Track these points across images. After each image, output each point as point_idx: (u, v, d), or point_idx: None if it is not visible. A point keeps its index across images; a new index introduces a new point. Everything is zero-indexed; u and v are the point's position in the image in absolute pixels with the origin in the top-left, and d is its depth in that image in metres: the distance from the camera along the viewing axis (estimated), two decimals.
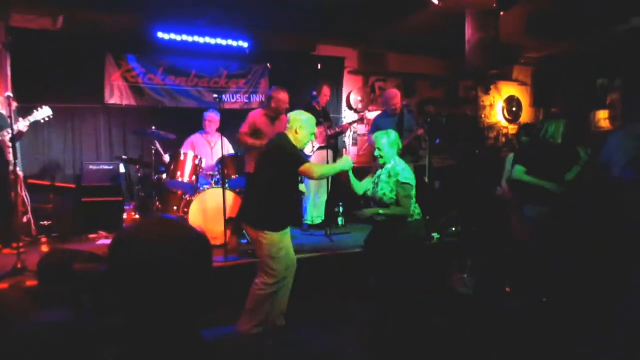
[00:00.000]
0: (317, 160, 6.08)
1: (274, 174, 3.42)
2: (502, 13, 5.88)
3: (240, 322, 3.48)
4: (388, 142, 3.64)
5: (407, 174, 3.56)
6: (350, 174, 3.66)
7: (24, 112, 5.01)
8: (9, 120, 4.48)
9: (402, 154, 5.72)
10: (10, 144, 4.41)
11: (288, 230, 3.59)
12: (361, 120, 6.86)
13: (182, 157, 5.26)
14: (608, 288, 3.54)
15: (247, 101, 7.01)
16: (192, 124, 6.07)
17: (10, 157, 4.52)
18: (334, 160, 6.29)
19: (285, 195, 3.51)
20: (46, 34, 5.85)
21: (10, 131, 4.27)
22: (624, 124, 5.09)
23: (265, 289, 3.45)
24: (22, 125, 4.62)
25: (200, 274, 1.06)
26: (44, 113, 4.72)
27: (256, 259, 3.69)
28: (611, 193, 4.17)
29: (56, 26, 5.88)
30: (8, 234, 4.77)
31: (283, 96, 5.02)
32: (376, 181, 3.67)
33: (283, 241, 3.49)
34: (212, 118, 5.75)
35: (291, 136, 3.50)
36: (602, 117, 8.35)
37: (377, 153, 3.67)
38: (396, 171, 3.55)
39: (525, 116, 9.09)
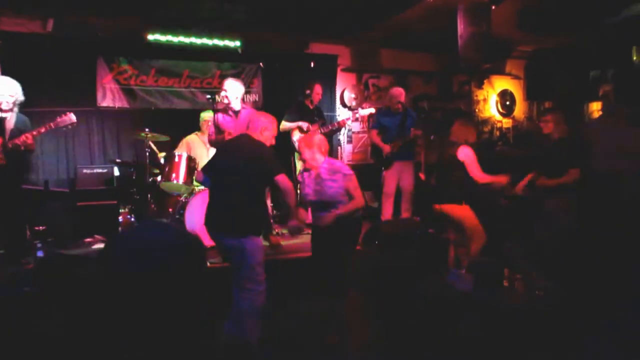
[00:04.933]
0: None
1: (255, 178, 3.32)
2: (493, 7, 5.88)
3: (251, 333, 3.20)
4: (318, 146, 3.63)
5: (347, 167, 3.64)
6: None
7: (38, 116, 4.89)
8: (29, 124, 4.40)
9: (398, 154, 5.77)
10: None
11: None
12: (355, 119, 6.85)
13: (176, 159, 5.24)
14: (610, 285, 3.55)
15: None
16: (185, 124, 6.04)
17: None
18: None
19: (263, 198, 3.47)
20: (36, 37, 5.81)
21: (28, 135, 4.22)
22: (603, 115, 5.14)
23: (262, 294, 3.27)
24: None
25: (192, 277, 1.05)
26: (67, 120, 4.45)
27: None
28: (600, 184, 4.19)
29: (46, 29, 5.84)
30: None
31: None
32: (317, 182, 3.59)
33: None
34: (211, 119, 5.71)
35: (255, 138, 3.46)
36: (596, 109, 8.37)
37: (308, 156, 3.61)
38: (337, 167, 3.59)
39: (519, 110, 9.10)
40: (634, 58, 7.45)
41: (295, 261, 4.70)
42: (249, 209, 3.28)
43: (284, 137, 5.86)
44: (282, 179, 3.28)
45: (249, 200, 3.29)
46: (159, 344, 0.94)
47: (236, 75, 6.92)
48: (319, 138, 3.66)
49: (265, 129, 3.48)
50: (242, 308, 3.21)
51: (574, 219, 4.11)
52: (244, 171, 3.29)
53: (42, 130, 4.34)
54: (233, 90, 4.90)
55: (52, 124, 4.38)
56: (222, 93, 4.87)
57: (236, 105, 4.96)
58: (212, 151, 5.52)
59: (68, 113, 4.49)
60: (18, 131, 4.28)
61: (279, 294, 3.59)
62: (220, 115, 4.89)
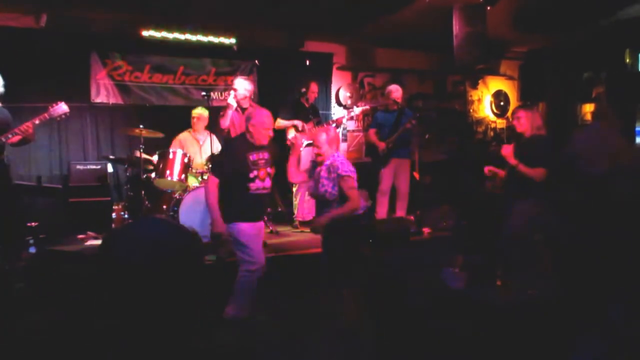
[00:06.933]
0: (307, 156, 6.06)
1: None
2: (488, 7, 5.90)
3: (228, 307, 3.53)
4: (327, 139, 3.69)
5: (346, 167, 3.61)
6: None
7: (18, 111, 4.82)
8: (9, 115, 4.32)
9: (395, 147, 5.78)
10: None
11: (259, 227, 3.73)
12: (350, 117, 6.87)
13: (170, 156, 5.22)
14: (603, 283, 3.57)
15: None
16: (180, 122, 6.02)
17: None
18: None
19: (236, 190, 3.55)
20: (29, 32, 5.74)
21: (29, 125, 4.16)
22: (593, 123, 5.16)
23: (249, 276, 3.52)
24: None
25: (191, 273, 1.04)
26: (59, 110, 4.35)
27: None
28: (592, 186, 4.20)
29: (39, 24, 5.78)
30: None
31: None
32: (316, 178, 3.69)
33: (253, 230, 3.61)
34: (201, 115, 5.72)
35: (248, 135, 3.64)
36: (588, 110, 8.43)
37: (316, 150, 3.73)
38: (335, 165, 3.59)
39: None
40: (627, 60, 7.52)
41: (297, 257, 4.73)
42: (225, 200, 3.52)
43: (279, 135, 5.85)
44: (207, 178, 3.65)
45: (224, 192, 3.54)
46: (158, 340, 0.93)
47: (231, 73, 6.92)
48: (332, 131, 3.81)
49: (251, 125, 3.60)
50: (236, 285, 3.52)
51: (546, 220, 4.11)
52: None
53: (37, 121, 4.26)
54: (241, 88, 5.06)
55: (46, 115, 4.32)
56: (232, 92, 5.04)
57: (244, 103, 5.07)
58: (205, 148, 5.54)
59: (59, 102, 4.40)
60: (3, 124, 4.22)
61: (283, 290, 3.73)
62: (234, 114, 5.02)
